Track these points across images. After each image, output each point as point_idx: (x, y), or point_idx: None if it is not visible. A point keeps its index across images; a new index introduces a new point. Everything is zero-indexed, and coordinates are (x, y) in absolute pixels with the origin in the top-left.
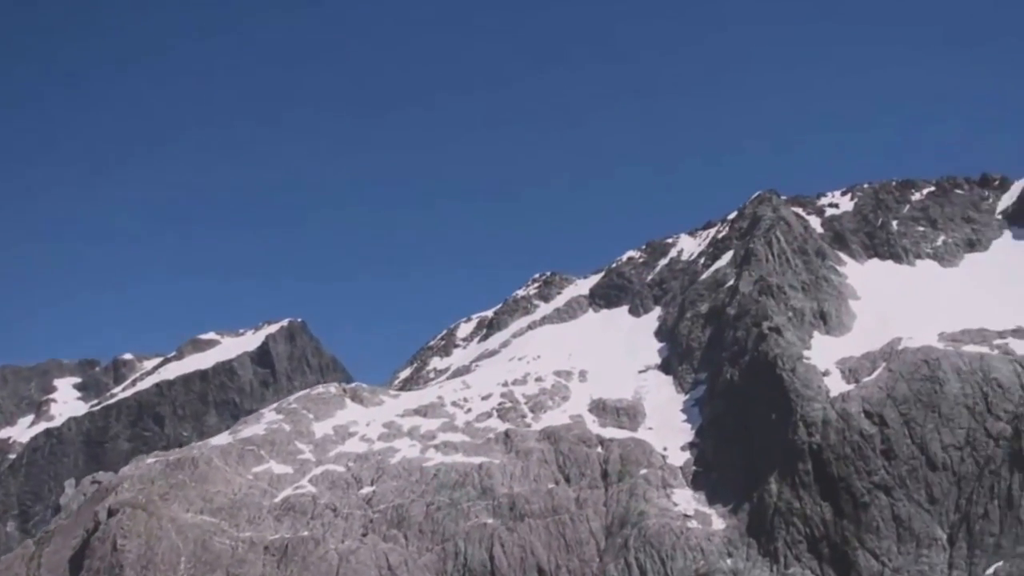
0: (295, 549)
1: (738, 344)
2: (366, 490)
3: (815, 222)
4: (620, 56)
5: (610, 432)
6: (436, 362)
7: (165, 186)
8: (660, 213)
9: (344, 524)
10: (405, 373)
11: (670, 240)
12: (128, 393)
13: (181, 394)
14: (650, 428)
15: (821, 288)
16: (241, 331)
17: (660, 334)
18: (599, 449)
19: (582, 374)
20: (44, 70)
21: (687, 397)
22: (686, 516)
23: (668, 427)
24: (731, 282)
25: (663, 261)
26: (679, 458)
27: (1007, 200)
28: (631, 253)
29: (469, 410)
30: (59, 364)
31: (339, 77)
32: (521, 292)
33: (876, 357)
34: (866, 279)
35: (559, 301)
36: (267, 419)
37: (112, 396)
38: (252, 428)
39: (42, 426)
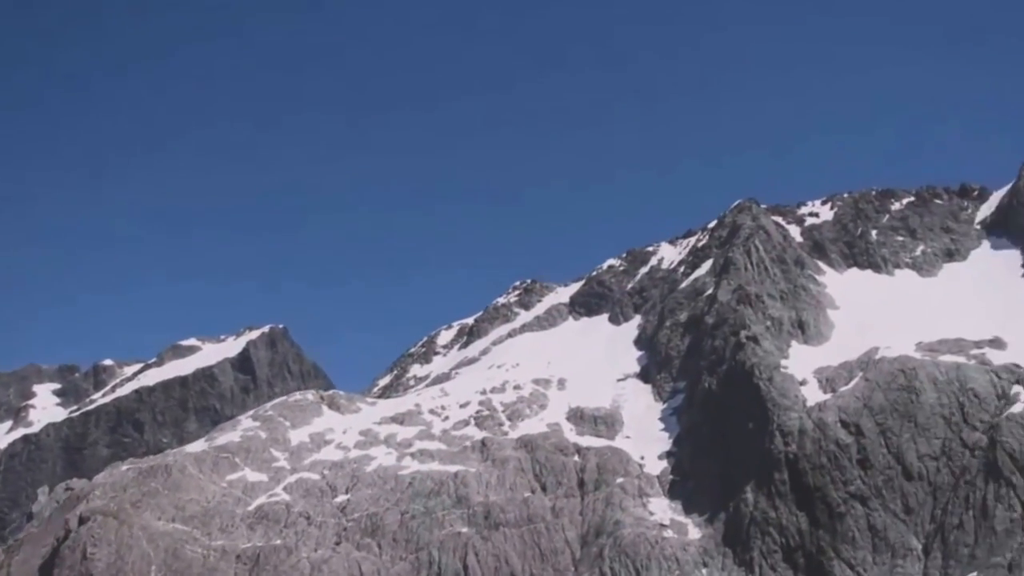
0: (267, 558)
1: (716, 353)
2: (341, 498)
3: (795, 231)
4: (600, 65)
5: (587, 441)
6: (416, 369)
7: (149, 192)
8: (641, 221)
9: (317, 533)
10: (385, 380)
11: (651, 248)
12: (108, 399)
13: (161, 400)
14: (628, 437)
15: (800, 297)
16: (222, 337)
17: (639, 342)
18: (576, 458)
19: (561, 382)
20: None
21: (665, 406)
22: (662, 525)
23: (646, 436)
24: (710, 291)
25: (643, 269)
26: (656, 467)
27: (986, 210)
28: (611, 261)
29: (446, 418)
30: (38, 370)
31: (334, 83)
32: (502, 300)
33: (853, 367)
34: (845, 288)
35: (539, 309)
36: (243, 426)
37: (92, 402)
38: (228, 435)
39: (20, 432)
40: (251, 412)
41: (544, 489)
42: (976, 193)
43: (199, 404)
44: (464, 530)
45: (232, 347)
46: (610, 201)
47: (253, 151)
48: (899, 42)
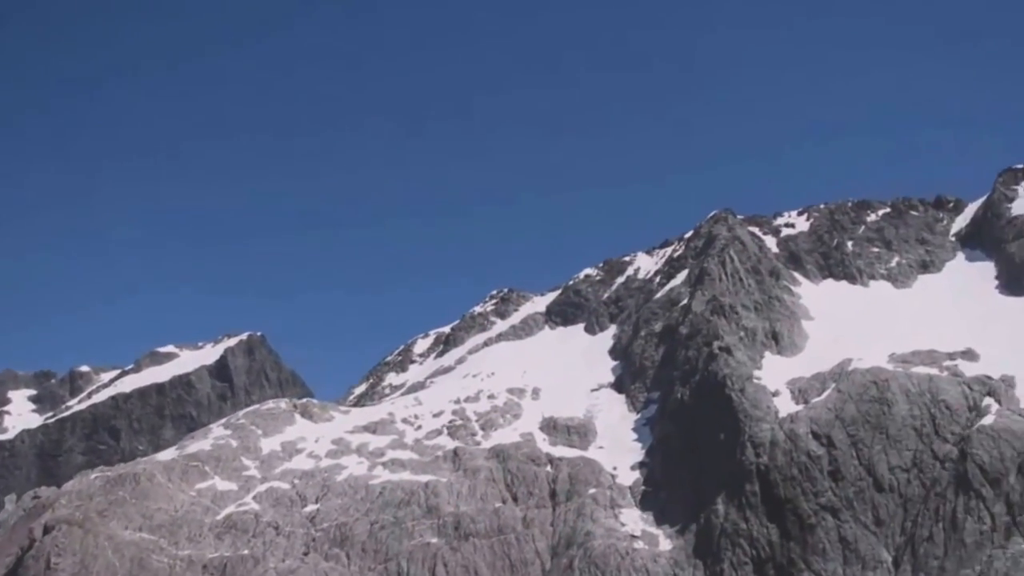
0: (234, 568)
1: (689, 363)
2: (310, 508)
3: (771, 242)
4: (579, 76)
5: (560, 451)
6: (392, 378)
7: (127, 201)
8: (618, 231)
9: (286, 543)
10: (360, 389)
11: (627, 258)
12: (84, 406)
13: (137, 407)
14: (601, 447)
15: (774, 308)
16: (200, 344)
17: (614, 352)
18: (548, 468)
19: (535, 392)
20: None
21: (639, 416)
22: (633, 537)
23: (619, 446)
24: (684, 301)
25: (620, 279)
26: (628, 478)
27: (961, 222)
28: (588, 271)
29: (419, 427)
30: (14, 375)
31: (310, 93)
32: (478, 308)
33: (826, 378)
34: (820, 299)
35: (516, 318)
36: (215, 434)
37: (67, 408)
38: (199, 443)
39: None
40: (223, 420)
41: (515, 499)
42: (951, 205)
43: (176, 411)
44: (434, 540)
45: (210, 354)
46: (587, 211)
47: (232, 161)
48: (876, 54)
